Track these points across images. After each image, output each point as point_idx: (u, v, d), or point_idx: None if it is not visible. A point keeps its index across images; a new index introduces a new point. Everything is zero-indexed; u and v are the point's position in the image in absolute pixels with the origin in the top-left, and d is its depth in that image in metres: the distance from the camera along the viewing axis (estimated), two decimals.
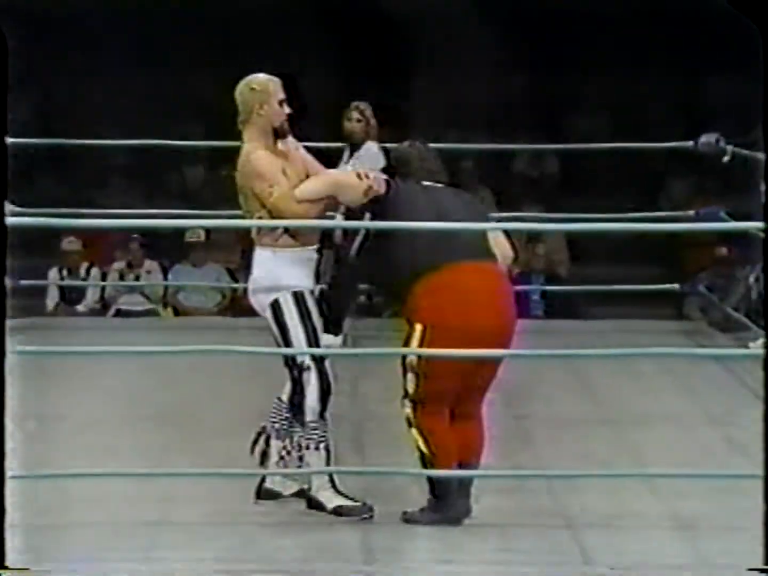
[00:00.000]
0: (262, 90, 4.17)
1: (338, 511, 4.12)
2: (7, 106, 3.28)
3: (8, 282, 6.61)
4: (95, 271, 8.40)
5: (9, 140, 6.13)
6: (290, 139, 4.26)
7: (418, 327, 4.07)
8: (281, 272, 4.15)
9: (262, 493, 4.24)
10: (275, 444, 4.24)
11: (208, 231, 8.22)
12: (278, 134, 4.18)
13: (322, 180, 4.21)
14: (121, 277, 8.32)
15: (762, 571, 3.43)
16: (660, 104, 9.46)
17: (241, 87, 4.21)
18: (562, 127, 9.41)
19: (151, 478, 4.24)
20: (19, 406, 5.24)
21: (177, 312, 8.22)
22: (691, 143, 6.42)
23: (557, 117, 9.56)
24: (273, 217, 4.13)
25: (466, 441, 4.16)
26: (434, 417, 4.12)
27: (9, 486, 3.79)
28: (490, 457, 4.20)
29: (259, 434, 4.24)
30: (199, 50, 9.56)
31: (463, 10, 9.46)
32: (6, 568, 3.35)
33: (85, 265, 8.41)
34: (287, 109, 4.20)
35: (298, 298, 4.14)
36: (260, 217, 4.15)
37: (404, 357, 4.12)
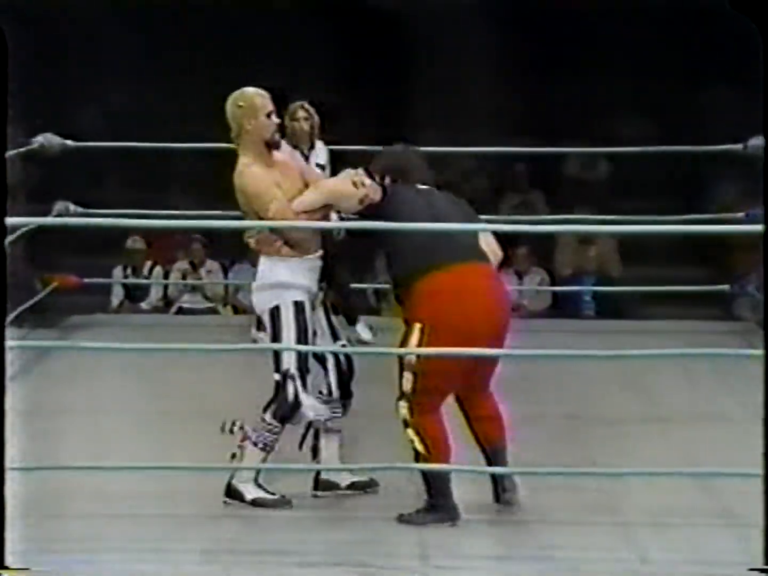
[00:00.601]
0: (248, 106, 4.19)
1: (256, 503, 4.23)
2: (7, 105, 3.31)
3: (75, 279, 6.91)
4: (158, 270, 8.54)
5: (75, 144, 6.39)
6: (284, 146, 4.30)
7: (417, 326, 4.11)
8: (285, 280, 4.19)
9: (320, 485, 4.35)
10: (326, 437, 4.34)
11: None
12: (270, 146, 4.22)
13: (318, 191, 4.22)
14: (184, 277, 8.46)
15: (762, 571, 3.44)
16: (708, 107, 9.47)
17: (228, 104, 4.24)
18: (612, 131, 9.45)
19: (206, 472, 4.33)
20: (73, 399, 5.43)
21: (236, 310, 8.35)
22: (740, 146, 6.45)
23: (607, 120, 9.60)
24: (272, 231, 4.17)
25: (485, 428, 4.23)
26: (430, 416, 4.14)
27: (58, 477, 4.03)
28: (543, 455, 4.30)
29: (306, 430, 4.34)
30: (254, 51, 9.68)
31: (508, 14, 9.53)
32: (6, 568, 3.37)
33: (148, 264, 8.57)
34: (276, 120, 4.24)
35: (299, 308, 4.20)
36: (259, 231, 4.19)
37: (401, 357, 4.15)
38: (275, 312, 4.20)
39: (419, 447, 4.13)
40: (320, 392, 4.31)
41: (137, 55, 9.38)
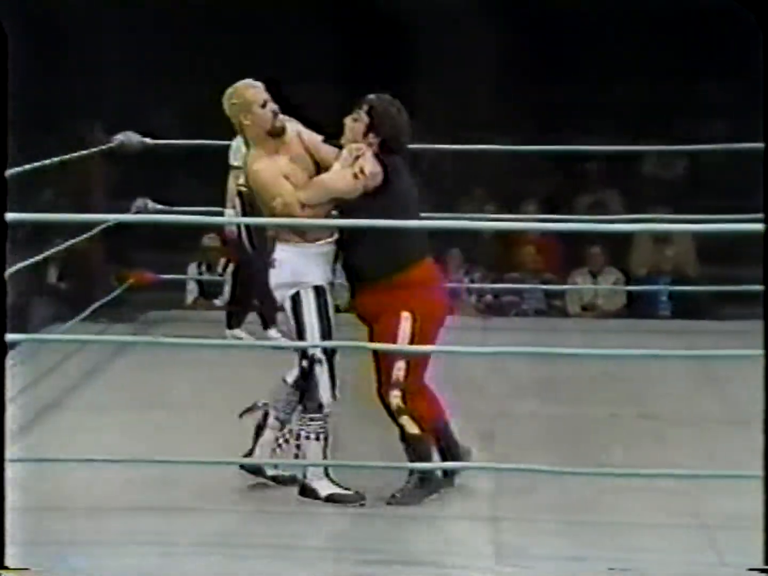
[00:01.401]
0: (241, 102, 4.21)
1: (331, 499, 4.23)
2: (7, 103, 3.30)
3: (151, 275, 6.97)
4: (232, 267, 8.58)
5: (154, 141, 6.45)
6: (288, 122, 4.24)
7: (405, 315, 4.19)
8: (302, 267, 4.20)
9: (247, 467, 4.34)
10: (272, 425, 4.34)
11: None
12: (272, 134, 4.21)
13: (322, 188, 4.20)
14: None
15: (762, 571, 3.40)
16: None
17: (225, 103, 4.25)
18: (689, 129, 9.36)
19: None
20: (146, 394, 5.50)
21: None
22: None
23: (684, 119, 9.51)
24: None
25: (437, 406, 4.35)
26: (421, 397, 4.26)
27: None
28: (620, 455, 4.26)
29: (255, 406, 4.37)
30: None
31: (596, 18, 9.48)
32: (6, 568, 3.35)
33: (223, 261, 8.61)
34: (273, 107, 4.22)
35: (319, 292, 4.20)
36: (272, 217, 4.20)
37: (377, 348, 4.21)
38: (296, 298, 4.20)
39: (413, 430, 4.24)
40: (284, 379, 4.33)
41: (209, 52, 9.46)
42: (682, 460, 4.60)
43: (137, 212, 6.45)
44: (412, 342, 4.20)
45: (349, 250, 4.24)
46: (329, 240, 4.24)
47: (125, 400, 5.46)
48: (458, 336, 6.12)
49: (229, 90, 4.25)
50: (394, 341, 4.20)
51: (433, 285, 4.32)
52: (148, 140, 6.32)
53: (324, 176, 4.22)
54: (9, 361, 5.71)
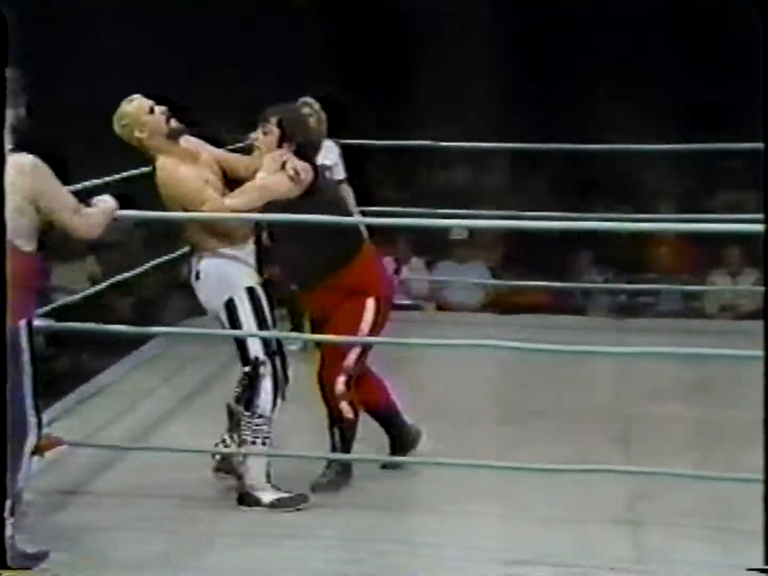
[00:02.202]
0: (129, 119, 4.15)
1: (275, 505, 4.15)
2: (7, 97, 3.26)
3: None
4: None
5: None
6: (190, 138, 4.21)
7: (370, 300, 4.24)
8: (230, 272, 4.14)
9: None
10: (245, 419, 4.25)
11: (472, 230, 8.34)
12: (172, 136, 4.16)
13: (256, 192, 4.15)
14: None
15: (762, 571, 3.34)
16: None
17: (117, 130, 4.18)
18: None
19: None
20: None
21: (440, 307, 8.33)
22: None
23: None
24: (211, 231, 4.12)
25: (374, 395, 4.43)
26: (364, 381, 4.35)
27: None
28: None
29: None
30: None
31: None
32: (7, 568, 3.36)
33: None
34: (161, 109, 4.16)
35: (252, 295, 4.15)
36: (195, 233, 4.14)
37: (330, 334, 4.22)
38: (230, 305, 4.14)
39: (349, 415, 4.29)
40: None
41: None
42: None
43: None
44: (372, 328, 4.24)
45: (292, 255, 4.25)
46: (250, 241, 4.18)
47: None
48: (592, 336, 6.06)
49: (114, 117, 4.18)
50: (356, 328, 4.23)
51: (381, 266, 4.42)
52: None
53: (261, 181, 4.18)
54: (151, 353, 5.87)
